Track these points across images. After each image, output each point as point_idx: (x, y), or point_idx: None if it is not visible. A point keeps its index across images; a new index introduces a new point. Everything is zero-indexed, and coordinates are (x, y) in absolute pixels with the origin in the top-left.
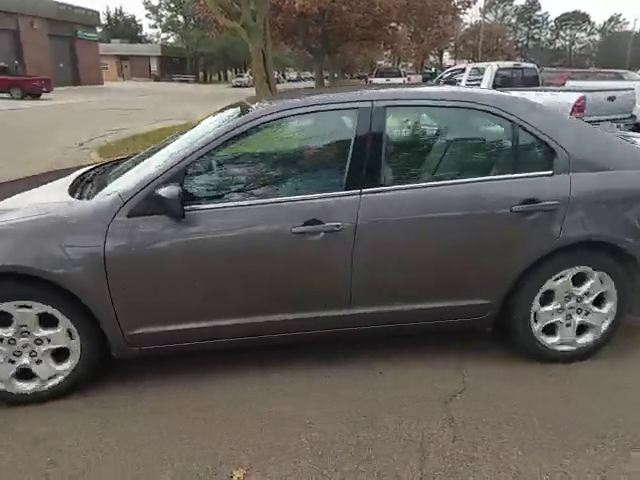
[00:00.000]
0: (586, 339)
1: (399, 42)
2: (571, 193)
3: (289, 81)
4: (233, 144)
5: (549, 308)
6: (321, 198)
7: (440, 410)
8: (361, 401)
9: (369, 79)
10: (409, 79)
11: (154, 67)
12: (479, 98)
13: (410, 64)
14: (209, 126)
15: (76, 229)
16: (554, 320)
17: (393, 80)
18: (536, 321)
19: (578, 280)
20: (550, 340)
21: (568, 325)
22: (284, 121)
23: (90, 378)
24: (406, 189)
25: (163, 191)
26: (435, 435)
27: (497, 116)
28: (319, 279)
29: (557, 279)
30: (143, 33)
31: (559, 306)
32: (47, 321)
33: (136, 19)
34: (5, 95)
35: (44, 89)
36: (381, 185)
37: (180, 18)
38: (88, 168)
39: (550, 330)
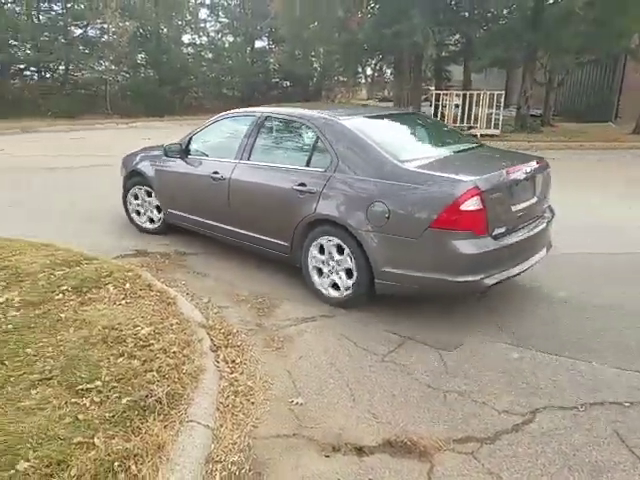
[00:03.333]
0: (335, 294)
1: None
2: (325, 186)
3: None
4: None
5: (320, 257)
6: (223, 162)
7: None
8: None
9: None
10: None
11: None
12: (306, 117)
13: None
14: None
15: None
16: (321, 267)
17: None
18: (312, 260)
19: (339, 250)
20: (316, 279)
21: (328, 276)
22: (226, 120)
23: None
24: (253, 165)
25: (167, 146)
26: None
27: (311, 129)
28: (219, 204)
29: (329, 240)
30: None
31: (324, 259)
32: None
33: None
34: None
35: None
36: (247, 160)
37: None
38: None
39: (320, 273)
